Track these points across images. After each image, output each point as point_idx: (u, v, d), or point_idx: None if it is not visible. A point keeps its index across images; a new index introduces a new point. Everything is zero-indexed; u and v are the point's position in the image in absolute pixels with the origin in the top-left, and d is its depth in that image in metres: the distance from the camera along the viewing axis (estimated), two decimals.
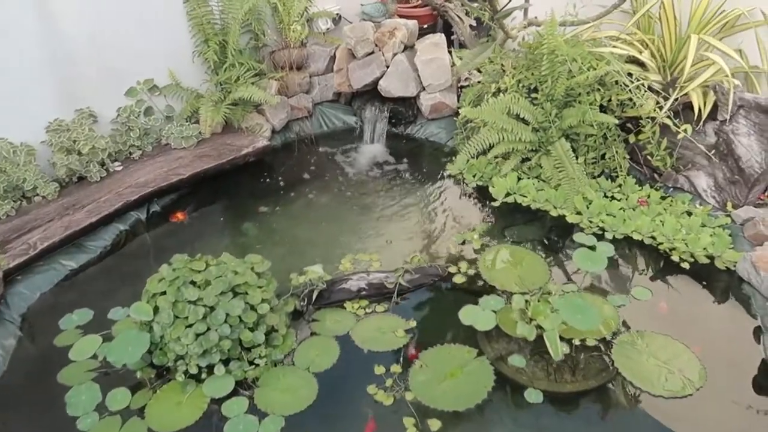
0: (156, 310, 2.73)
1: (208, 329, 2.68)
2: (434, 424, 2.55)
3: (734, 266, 3.34)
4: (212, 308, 2.72)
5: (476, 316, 3.02)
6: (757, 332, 3.00)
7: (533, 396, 2.66)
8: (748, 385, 2.73)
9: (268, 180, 4.34)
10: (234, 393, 2.68)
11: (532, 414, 2.61)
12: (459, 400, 2.63)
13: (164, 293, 2.75)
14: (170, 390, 2.72)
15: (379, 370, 2.75)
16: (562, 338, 2.85)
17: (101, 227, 3.68)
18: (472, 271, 3.36)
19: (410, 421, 2.56)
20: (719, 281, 3.33)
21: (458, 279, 3.32)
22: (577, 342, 2.89)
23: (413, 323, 2.99)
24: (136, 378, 2.75)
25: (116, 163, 4.12)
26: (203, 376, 2.73)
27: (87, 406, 2.64)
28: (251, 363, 2.79)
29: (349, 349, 2.86)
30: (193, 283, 2.78)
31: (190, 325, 2.67)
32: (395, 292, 3.15)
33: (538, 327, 2.91)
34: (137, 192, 3.86)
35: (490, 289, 3.19)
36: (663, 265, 3.45)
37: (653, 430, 2.55)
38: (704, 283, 3.32)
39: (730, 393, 2.68)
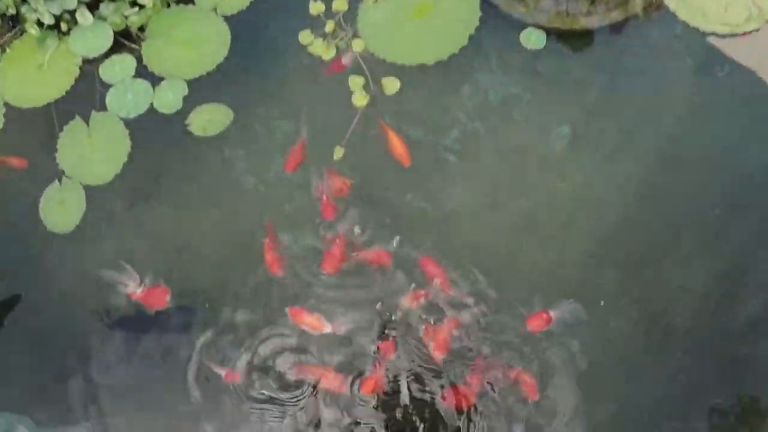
0: None
1: None
2: (390, 84, 1.95)
3: None
4: None
5: None
6: None
7: (533, 38, 1.96)
8: None
9: None
10: (115, 49, 1.95)
11: (528, 58, 1.93)
12: (428, 48, 1.99)
13: None
14: (24, 48, 2.01)
15: (315, 8, 2.07)
16: None
17: None
18: None
19: (357, 82, 1.94)
20: None
21: None
22: None
23: None
24: None
25: None
26: (65, 27, 1.93)
27: None
28: (134, 4, 1.95)
29: None
30: None
31: None
32: None
33: None
34: None
35: None
36: None
37: (687, 80, 1.88)
38: None
39: None
